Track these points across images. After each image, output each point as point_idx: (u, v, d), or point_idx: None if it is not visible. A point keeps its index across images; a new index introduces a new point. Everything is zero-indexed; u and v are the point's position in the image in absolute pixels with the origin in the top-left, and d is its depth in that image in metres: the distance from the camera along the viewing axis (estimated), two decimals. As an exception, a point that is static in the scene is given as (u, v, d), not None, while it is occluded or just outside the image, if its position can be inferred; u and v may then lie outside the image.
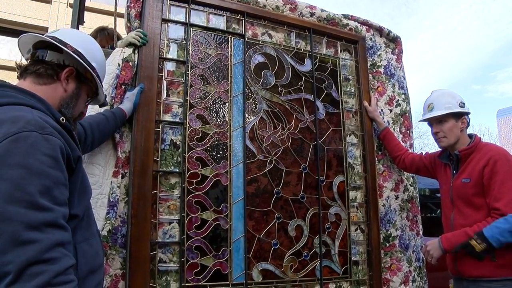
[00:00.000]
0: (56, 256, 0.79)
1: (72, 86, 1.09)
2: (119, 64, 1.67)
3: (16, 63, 1.09)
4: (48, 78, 1.04)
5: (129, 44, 1.72)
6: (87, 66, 1.09)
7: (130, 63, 1.70)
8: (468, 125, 1.94)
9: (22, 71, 1.06)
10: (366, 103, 2.26)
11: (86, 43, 1.14)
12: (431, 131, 1.97)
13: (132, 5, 1.79)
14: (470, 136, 1.93)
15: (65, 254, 0.82)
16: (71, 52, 1.06)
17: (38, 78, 1.04)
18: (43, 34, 1.09)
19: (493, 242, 1.59)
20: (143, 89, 1.69)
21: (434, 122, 1.93)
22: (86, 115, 1.31)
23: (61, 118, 1.01)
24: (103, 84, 1.20)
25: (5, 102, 0.92)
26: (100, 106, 1.29)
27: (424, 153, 2.19)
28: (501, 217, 1.63)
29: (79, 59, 1.07)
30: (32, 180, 0.80)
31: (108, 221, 1.50)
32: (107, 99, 1.54)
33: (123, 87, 1.66)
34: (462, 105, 1.90)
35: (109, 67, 1.58)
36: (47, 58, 1.05)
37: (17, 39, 1.09)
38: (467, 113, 1.92)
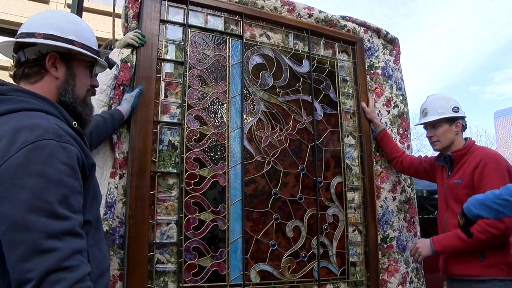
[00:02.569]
0: (75, 264, 0.81)
1: (62, 69, 1.04)
2: (117, 65, 1.67)
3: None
4: (36, 75, 1.02)
5: (127, 45, 1.72)
6: (63, 44, 1.02)
7: (129, 63, 1.69)
8: (465, 128, 1.97)
9: (14, 78, 1.04)
10: (364, 104, 2.27)
11: (55, 21, 1.06)
12: (426, 134, 2.02)
13: (130, 5, 1.79)
14: (466, 139, 1.96)
15: (82, 261, 0.84)
16: (41, 40, 1.01)
17: (28, 79, 1.02)
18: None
19: (467, 213, 1.55)
20: (142, 91, 1.68)
21: (429, 126, 1.99)
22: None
23: (73, 123, 1.00)
24: (94, 46, 1.10)
25: (20, 107, 0.92)
26: (110, 68, 1.24)
27: (423, 157, 2.21)
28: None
29: (51, 42, 1.01)
30: (51, 189, 0.82)
31: (106, 222, 1.50)
32: (106, 98, 1.52)
33: (121, 88, 1.66)
34: (456, 109, 1.93)
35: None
36: (26, 57, 1.02)
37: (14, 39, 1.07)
38: (462, 117, 1.95)
